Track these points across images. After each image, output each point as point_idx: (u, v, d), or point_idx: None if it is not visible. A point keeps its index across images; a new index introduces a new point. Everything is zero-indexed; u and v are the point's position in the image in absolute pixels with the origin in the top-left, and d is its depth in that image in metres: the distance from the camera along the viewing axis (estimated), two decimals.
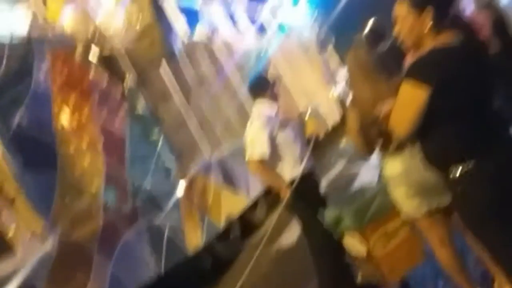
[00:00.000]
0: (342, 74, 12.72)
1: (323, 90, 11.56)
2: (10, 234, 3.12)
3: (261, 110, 3.64)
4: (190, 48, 6.39)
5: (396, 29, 2.05)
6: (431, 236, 2.44)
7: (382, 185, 2.75)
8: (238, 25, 8.72)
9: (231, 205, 5.63)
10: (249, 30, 8.93)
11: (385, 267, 2.87)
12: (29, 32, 4.24)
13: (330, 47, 12.92)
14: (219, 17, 7.91)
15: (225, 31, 7.88)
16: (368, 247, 2.88)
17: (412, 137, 2.03)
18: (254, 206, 6.28)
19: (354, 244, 2.98)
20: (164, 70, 5.43)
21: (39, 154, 3.65)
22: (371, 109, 2.26)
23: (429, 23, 1.93)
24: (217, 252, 5.20)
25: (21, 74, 3.80)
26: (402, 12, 1.99)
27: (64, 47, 4.33)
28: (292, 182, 3.43)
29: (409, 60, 2.24)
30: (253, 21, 9.44)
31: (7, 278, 2.96)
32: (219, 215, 5.32)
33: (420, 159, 2.16)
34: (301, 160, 3.59)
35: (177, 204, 4.70)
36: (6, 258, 3.11)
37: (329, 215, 3.08)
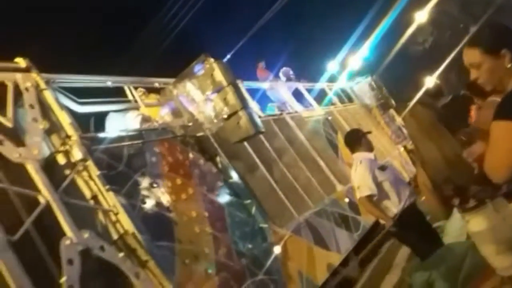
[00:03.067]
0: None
1: (393, 148, 11.80)
2: None
3: (362, 156, 4.30)
4: (265, 124, 7.10)
5: (473, 76, 1.96)
6: None
7: (471, 240, 2.52)
8: (302, 98, 9.47)
9: (324, 261, 5.93)
10: (312, 101, 9.64)
11: None
12: (140, 127, 5.14)
13: (391, 110, 13.29)
14: (285, 94, 8.71)
15: (292, 104, 8.62)
16: None
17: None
18: (346, 261, 6.52)
19: None
20: (248, 145, 6.14)
21: (161, 229, 4.27)
22: (441, 167, 2.32)
23: (508, 64, 1.86)
24: None
25: (138, 161, 4.58)
26: (476, 58, 1.92)
27: (166, 137, 5.14)
28: (395, 216, 3.98)
29: (479, 110, 2.22)
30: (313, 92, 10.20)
31: None
32: (314, 271, 5.62)
33: (507, 213, 2.07)
34: (402, 199, 4.11)
35: (276, 261, 5.11)
36: None
37: (418, 279, 2.83)
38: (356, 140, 4.53)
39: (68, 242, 3.35)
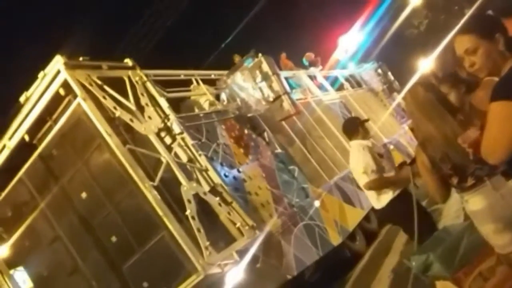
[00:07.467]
0: None
1: (398, 127, 13.17)
2: (237, 225, 5.08)
3: (361, 144, 4.37)
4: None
5: (468, 62, 1.97)
6: None
7: (469, 221, 2.54)
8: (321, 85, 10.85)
9: (352, 215, 7.34)
10: (329, 86, 11.02)
11: None
12: (209, 109, 6.54)
13: (395, 93, 14.64)
14: (308, 82, 10.09)
15: (314, 90, 10.01)
16: None
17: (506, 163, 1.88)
18: (368, 217, 7.94)
19: None
20: (285, 123, 7.54)
21: (236, 184, 5.67)
22: (439, 144, 2.26)
23: (502, 47, 1.91)
24: (351, 247, 6.93)
25: (213, 135, 5.97)
26: (472, 43, 1.94)
27: (228, 117, 6.54)
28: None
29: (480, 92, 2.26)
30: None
31: (243, 251, 4.89)
32: (346, 221, 7.04)
33: (505, 190, 2.12)
34: None
35: (317, 211, 6.53)
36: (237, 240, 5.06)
37: (416, 261, 2.83)
38: (354, 128, 4.56)
39: (185, 188, 4.75)
